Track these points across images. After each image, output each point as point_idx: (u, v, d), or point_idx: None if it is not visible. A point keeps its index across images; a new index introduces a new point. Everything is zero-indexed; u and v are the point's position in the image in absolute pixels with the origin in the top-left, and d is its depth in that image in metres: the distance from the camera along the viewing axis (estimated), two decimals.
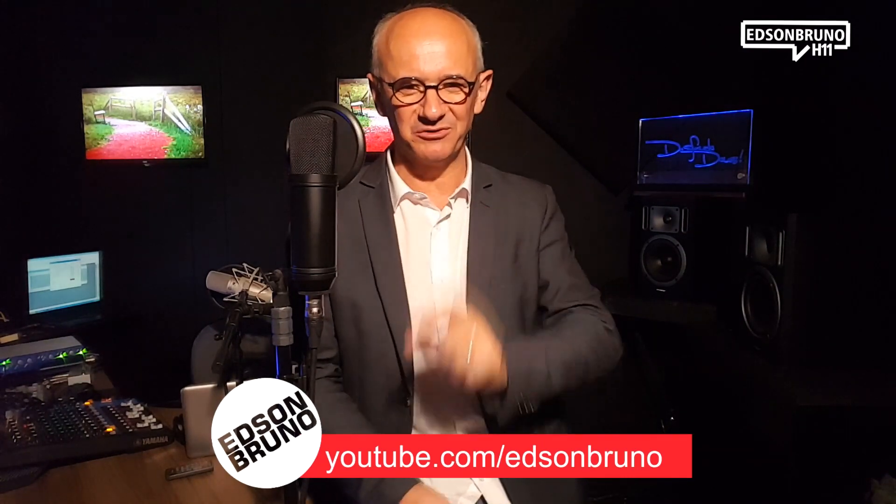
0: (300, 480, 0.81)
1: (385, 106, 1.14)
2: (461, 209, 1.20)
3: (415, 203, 1.19)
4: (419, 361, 1.14)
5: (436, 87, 1.06)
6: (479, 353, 0.93)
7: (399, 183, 1.18)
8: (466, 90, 1.09)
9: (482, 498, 1.17)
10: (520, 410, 1.02)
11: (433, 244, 1.17)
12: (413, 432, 1.17)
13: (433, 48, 1.06)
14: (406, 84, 1.07)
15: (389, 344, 1.13)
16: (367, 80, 1.19)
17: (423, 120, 1.08)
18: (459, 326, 0.95)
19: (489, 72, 1.18)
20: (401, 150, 1.18)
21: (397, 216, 1.19)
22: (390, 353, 1.14)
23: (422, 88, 1.07)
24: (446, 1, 1.13)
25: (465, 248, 1.16)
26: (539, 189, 1.27)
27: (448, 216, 1.18)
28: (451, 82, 1.07)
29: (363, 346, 1.16)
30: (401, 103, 1.09)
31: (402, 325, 1.12)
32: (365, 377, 1.18)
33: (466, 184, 1.20)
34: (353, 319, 1.16)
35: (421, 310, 1.14)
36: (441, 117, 1.08)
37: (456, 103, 1.09)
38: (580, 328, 1.15)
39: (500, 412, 1.03)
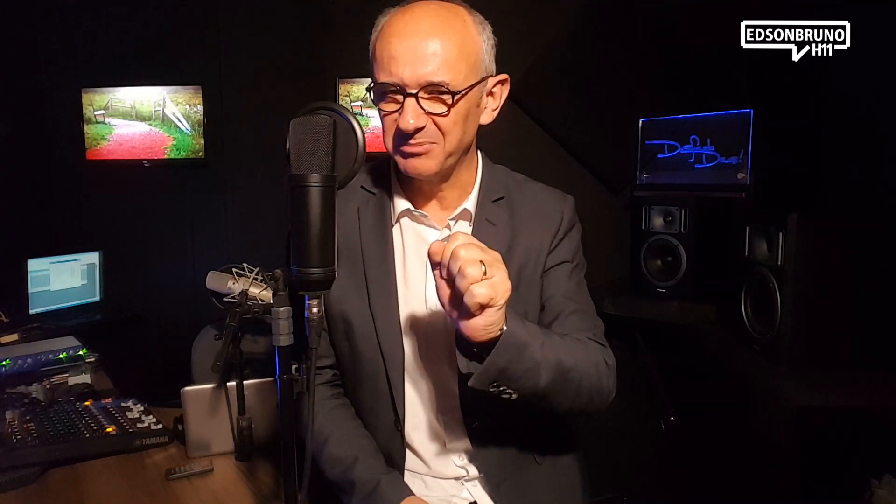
0: (299, 483, 0.81)
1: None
2: (462, 229, 1.10)
3: (415, 220, 1.11)
4: (410, 384, 1.12)
5: (415, 95, 0.94)
6: (492, 273, 0.81)
7: (400, 196, 1.11)
8: (450, 101, 0.95)
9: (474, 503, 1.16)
10: (496, 386, 0.92)
11: (429, 266, 1.07)
12: (408, 452, 1.16)
13: (415, 50, 0.92)
14: (385, 90, 0.97)
15: (380, 365, 1.09)
16: (367, 80, 1.15)
17: (400, 131, 0.97)
18: (475, 241, 0.84)
19: (502, 76, 1.05)
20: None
21: (395, 232, 1.11)
22: (381, 373, 1.09)
23: (400, 97, 0.95)
24: None
25: None
26: (557, 203, 1.14)
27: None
28: (433, 90, 0.94)
29: (355, 363, 1.12)
30: (383, 111, 0.99)
31: (393, 347, 1.08)
32: (358, 393, 1.15)
33: (470, 203, 1.10)
34: (345, 335, 1.12)
35: (413, 334, 1.09)
36: (420, 129, 0.96)
37: (438, 115, 0.96)
38: (584, 349, 1.02)
39: (476, 373, 0.90)
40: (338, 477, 1.07)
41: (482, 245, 0.84)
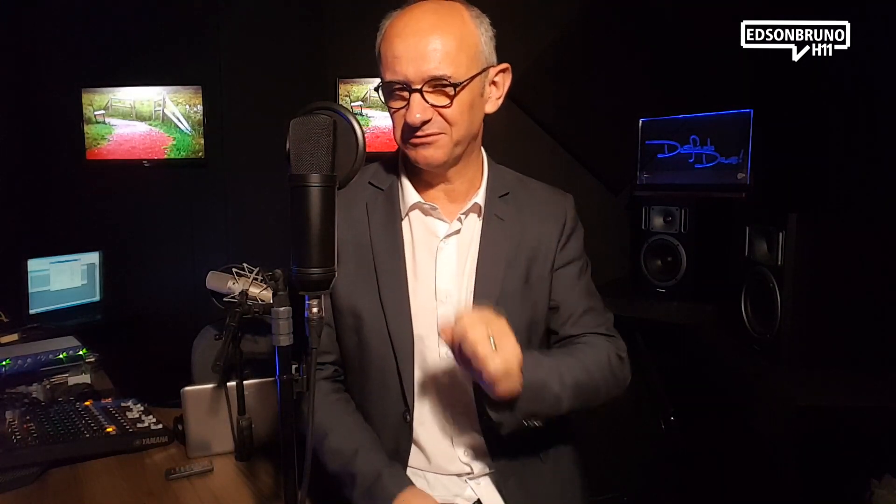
0: (300, 480, 0.81)
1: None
2: (473, 224, 1.14)
3: (425, 214, 1.13)
4: (420, 376, 1.13)
5: (419, 90, 0.99)
6: (502, 344, 0.90)
7: (409, 189, 1.13)
8: (452, 92, 1.00)
9: (478, 501, 1.16)
10: (525, 424, 1.00)
11: (439, 258, 1.12)
12: (412, 447, 1.16)
13: (417, 48, 0.98)
14: (392, 88, 1.02)
15: (391, 357, 1.10)
16: (367, 80, 1.17)
17: (408, 125, 1.02)
18: (480, 316, 0.91)
19: (503, 66, 1.10)
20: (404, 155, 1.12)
21: (405, 225, 1.14)
22: (391, 366, 1.10)
23: (406, 93, 1.01)
24: None
25: (473, 263, 1.11)
26: (559, 201, 1.19)
27: (457, 231, 1.13)
28: (436, 84, 1.00)
29: (364, 357, 1.13)
30: (392, 108, 1.05)
31: (404, 339, 1.09)
32: (365, 387, 1.15)
33: (479, 197, 1.13)
34: (354, 328, 1.13)
35: (423, 327, 1.10)
36: (427, 122, 1.01)
37: (442, 107, 1.01)
38: (594, 354, 1.10)
39: (506, 421, 0.99)
40: (339, 470, 1.08)
41: (488, 316, 0.92)
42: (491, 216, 1.13)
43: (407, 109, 1.01)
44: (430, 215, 1.13)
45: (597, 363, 1.08)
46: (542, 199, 1.18)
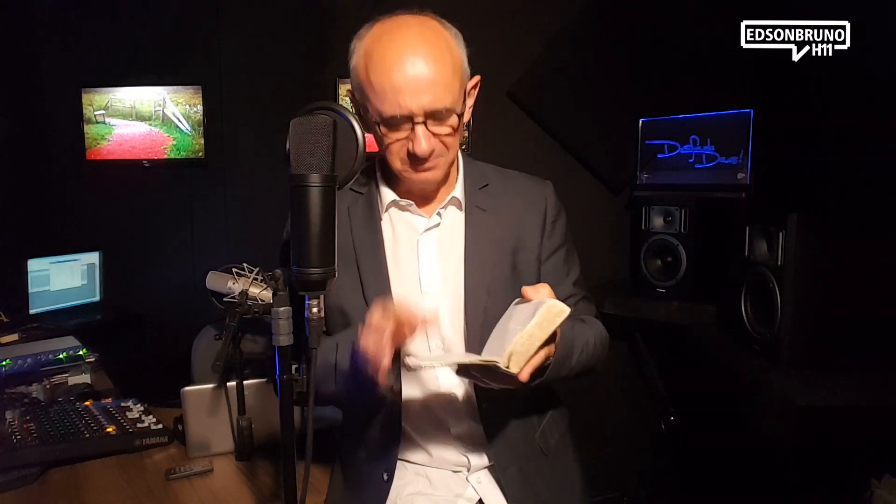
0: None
1: (369, 128, 1.06)
2: (453, 217, 1.16)
3: (402, 210, 1.16)
4: (408, 372, 1.13)
5: (424, 122, 1.00)
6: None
7: (386, 190, 1.16)
8: (455, 123, 1.03)
9: (480, 501, 1.16)
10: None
11: (420, 252, 1.14)
12: (409, 441, 1.17)
13: (417, 81, 0.98)
14: (393, 121, 1.02)
15: None
16: None
17: (413, 156, 1.03)
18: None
19: (476, 78, 1.13)
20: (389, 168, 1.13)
21: (385, 223, 1.16)
22: None
23: (409, 125, 1.01)
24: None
25: (457, 255, 1.13)
26: (539, 188, 1.21)
27: (437, 225, 1.15)
28: (438, 115, 1.01)
29: None
30: (389, 139, 1.04)
31: None
32: None
33: (457, 191, 1.16)
34: (343, 326, 1.15)
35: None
36: (431, 151, 1.03)
37: (445, 135, 1.04)
38: (599, 329, 1.19)
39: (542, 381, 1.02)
40: (323, 359, 1.08)
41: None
42: (473, 208, 1.16)
43: (412, 140, 1.01)
44: (408, 211, 1.16)
45: (600, 337, 1.16)
46: (521, 187, 1.20)
